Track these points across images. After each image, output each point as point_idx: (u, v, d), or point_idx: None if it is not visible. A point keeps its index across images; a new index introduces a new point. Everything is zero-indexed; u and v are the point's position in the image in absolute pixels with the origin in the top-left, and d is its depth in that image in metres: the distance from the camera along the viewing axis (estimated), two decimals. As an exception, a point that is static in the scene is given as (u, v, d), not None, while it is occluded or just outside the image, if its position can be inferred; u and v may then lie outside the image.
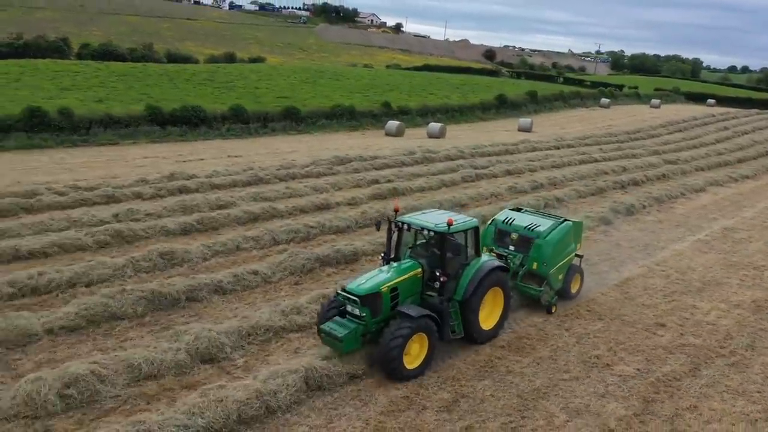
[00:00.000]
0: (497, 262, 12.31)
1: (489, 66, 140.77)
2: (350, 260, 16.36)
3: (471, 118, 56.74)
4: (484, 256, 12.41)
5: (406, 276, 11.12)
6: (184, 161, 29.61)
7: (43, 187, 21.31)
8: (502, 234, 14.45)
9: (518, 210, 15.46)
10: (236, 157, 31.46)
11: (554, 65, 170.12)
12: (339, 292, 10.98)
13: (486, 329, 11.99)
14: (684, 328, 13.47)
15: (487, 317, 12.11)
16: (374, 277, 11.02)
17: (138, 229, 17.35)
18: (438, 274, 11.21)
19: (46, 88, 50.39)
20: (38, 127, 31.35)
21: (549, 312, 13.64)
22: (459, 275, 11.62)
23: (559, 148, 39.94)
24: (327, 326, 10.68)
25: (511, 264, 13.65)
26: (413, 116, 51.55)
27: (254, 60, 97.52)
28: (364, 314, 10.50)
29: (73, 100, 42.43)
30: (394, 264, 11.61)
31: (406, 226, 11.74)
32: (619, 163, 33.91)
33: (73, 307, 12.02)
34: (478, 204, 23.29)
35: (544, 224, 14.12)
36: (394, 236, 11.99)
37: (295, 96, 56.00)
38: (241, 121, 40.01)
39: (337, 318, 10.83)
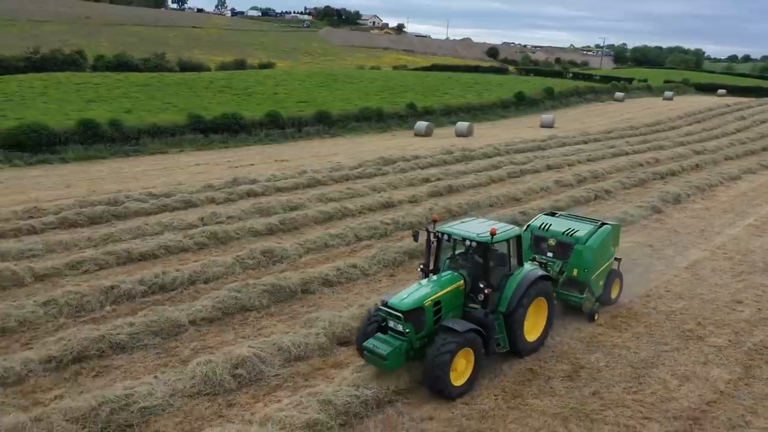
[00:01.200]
0: (541, 272, 11.88)
1: (496, 64, 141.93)
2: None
3: (492, 116, 57.82)
4: (527, 266, 11.94)
5: (449, 289, 10.72)
6: (236, 167, 30.75)
7: (122, 195, 22.50)
8: (538, 240, 13.89)
9: (553, 215, 14.89)
10: (283, 161, 32.62)
11: (557, 60, 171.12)
12: (380, 307, 10.55)
13: (530, 341, 11.57)
14: (760, 304, 14.56)
15: (532, 328, 11.66)
16: (416, 291, 10.56)
17: (229, 230, 18.52)
18: (482, 286, 10.76)
19: (72, 100, 51.71)
20: (92, 139, 32.57)
21: (592, 320, 13.19)
22: (502, 286, 11.18)
23: (586, 143, 41.04)
24: (370, 343, 10.20)
25: (551, 271, 13.12)
26: (437, 116, 52.68)
27: (264, 66, 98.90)
28: (408, 330, 10.09)
29: (102, 112, 43.70)
30: (434, 276, 11.21)
31: (446, 237, 11.29)
32: (650, 155, 34.98)
33: (208, 301, 13.17)
34: (531, 198, 24.38)
35: (582, 229, 13.58)
36: (434, 247, 11.57)
37: (314, 100, 57.19)
38: (277, 127, 41.23)
39: (379, 335, 10.40)
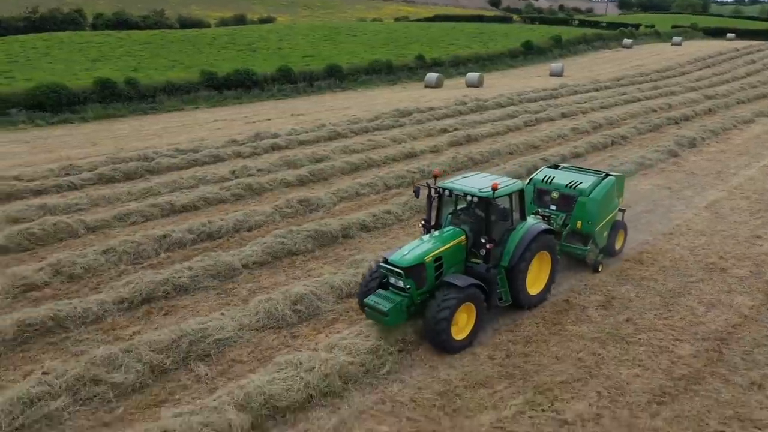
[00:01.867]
0: (544, 225, 11.69)
1: (499, 13, 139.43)
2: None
3: (500, 66, 57.62)
4: (530, 219, 11.83)
5: (450, 244, 10.60)
6: (254, 122, 31.17)
7: (150, 151, 23.04)
8: (541, 193, 13.75)
9: (556, 167, 14.67)
10: (299, 115, 32.98)
11: (561, 8, 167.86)
12: (381, 264, 10.48)
13: (533, 294, 11.58)
14: (779, 238, 15.31)
15: (534, 282, 11.67)
16: (417, 247, 10.44)
17: (262, 182, 19.17)
18: (484, 241, 10.66)
19: (77, 60, 51.59)
20: (109, 98, 32.91)
21: (596, 270, 13.26)
22: (505, 241, 11.11)
23: (598, 90, 41.16)
24: (371, 300, 10.23)
25: (554, 224, 13.06)
26: (446, 67, 52.59)
27: (265, 20, 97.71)
28: (409, 286, 10.05)
29: (108, 71, 43.71)
30: (436, 232, 11.06)
31: (447, 192, 11.12)
32: (663, 101, 35.19)
33: (257, 247, 13.92)
34: (549, 146, 24.85)
35: (586, 181, 13.42)
36: (435, 203, 11.38)
37: (319, 54, 56.95)
38: (288, 81, 41.37)
39: (380, 291, 10.42)
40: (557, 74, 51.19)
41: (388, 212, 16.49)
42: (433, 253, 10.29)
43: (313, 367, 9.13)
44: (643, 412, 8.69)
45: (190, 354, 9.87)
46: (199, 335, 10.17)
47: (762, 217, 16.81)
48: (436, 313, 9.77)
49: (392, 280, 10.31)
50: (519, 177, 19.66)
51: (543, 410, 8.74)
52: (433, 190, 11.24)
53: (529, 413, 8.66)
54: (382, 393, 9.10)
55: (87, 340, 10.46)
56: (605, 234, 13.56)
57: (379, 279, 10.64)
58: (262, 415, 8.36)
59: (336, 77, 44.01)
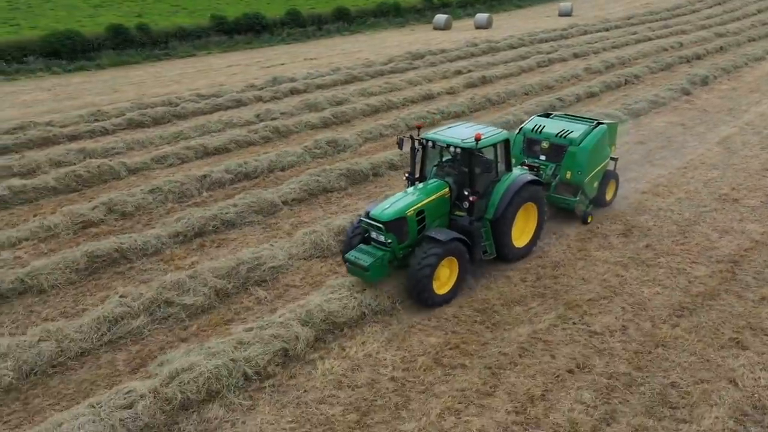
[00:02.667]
0: (530, 176, 11.41)
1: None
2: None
3: (508, 6, 56.96)
4: (516, 170, 11.56)
5: (433, 197, 10.35)
6: (268, 67, 31.45)
7: (173, 97, 23.54)
8: (531, 143, 13.34)
9: (547, 116, 14.17)
10: (312, 59, 33.18)
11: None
12: (362, 218, 10.27)
13: (519, 246, 11.41)
14: (788, 170, 16.03)
15: (521, 234, 11.50)
16: (399, 200, 10.20)
17: (288, 124, 19.78)
18: (467, 193, 10.45)
19: (79, 6, 51.10)
20: (122, 44, 33.01)
21: (585, 222, 13.03)
22: (489, 193, 10.84)
23: (608, 30, 41.03)
24: (352, 255, 9.98)
25: (543, 175, 12.73)
26: (454, 8, 52.00)
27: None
28: (390, 241, 9.82)
29: (112, 17, 43.50)
30: (420, 185, 10.80)
31: (430, 144, 10.75)
32: (674, 40, 35.20)
33: (294, 185, 14.71)
34: (563, 86, 25.26)
35: (576, 130, 12.98)
36: (419, 155, 11.08)
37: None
38: (298, 25, 41.18)
39: (362, 246, 10.19)
40: (566, 14, 50.73)
41: (414, 151, 17.15)
42: (415, 207, 10.05)
43: (364, 289, 10.04)
44: (664, 323, 9.63)
45: (248, 279, 10.79)
46: (255, 263, 11.07)
47: (773, 151, 17.49)
48: (417, 269, 9.57)
49: (373, 234, 10.07)
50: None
51: (574, 323, 9.69)
52: (416, 142, 10.93)
53: (561, 326, 9.61)
54: (427, 311, 10.03)
55: (150, 269, 11.40)
56: (595, 184, 13.24)
57: (362, 234, 10.39)
58: (323, 329, 9.31)
59: (344, 20, 43.73)
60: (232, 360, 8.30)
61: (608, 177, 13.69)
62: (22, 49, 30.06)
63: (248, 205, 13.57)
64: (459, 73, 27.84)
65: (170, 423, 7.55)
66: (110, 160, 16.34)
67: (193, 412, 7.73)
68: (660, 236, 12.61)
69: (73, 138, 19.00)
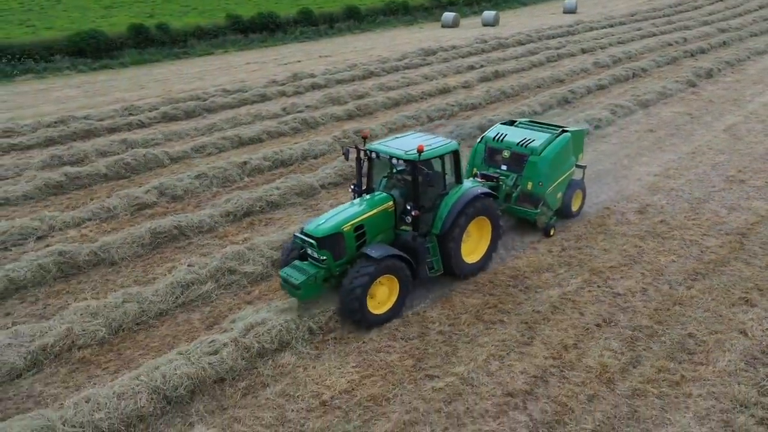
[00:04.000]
0: (482, 189, 10.85)
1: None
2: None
3: (513, 4, 57.96)
4: (467, 183, 11.07)
5: (375, 211, 9.86)
6: (285, 64, 32.51)
7: (200, 92, 24.60)
8: (493, 152, 12.80)
9: (511, 123, 13.73)
10: (327, 56, 34.22)
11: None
12: (296, 234, 9.78)
13: (470, 263, 10.88)
14: (791, 155, 17.07)
15: (473, 250, 11.02)
16: (337, 214, 9.73)
17: (315, 116, 20.83)
18: (409, 208, 9.92)
19: (91, 8, 52.28)
20: (143, 43, 34.10)
21: (547, 235, 12.53)
22: (437, 206, 10.36)
23: (613, 26, 42.05)
24: (284, 272, 9.48)
25: (503, 185, 12.26)
26: (461, 6, 53.03)
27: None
28: (325, 258, 9.32)
29: (124, 18, 44.60)
30: (366, 197, 10.32)
31: (374, 155, 10.23)
32: (678, 35, 36.21)
33: (329, 170, 15.76)
34: (574, 79, 26.28)
35: (538, 138, 12.55)
36: (365, 166, 10.60)
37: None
38: (310, 24, 42.24)
39: (296, 262, 9.66)
40: (571, 11, 51.72)
41: (438, 140, 18.20)
42: (352, 222, 9.56)
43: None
44: (680, 286, 10.67)
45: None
46: (304, 237, 12.09)
47: (776, 137, 18.53)
48: (348, 289, 9.07)
49: (309, 251, 9.58)
50: (550, 108, 21.37)
51: (598, 286, 10.73)
52: (361, 153, 10.40)
53: (587, 288, 10.66)
54: (464, 281, 11.05)
55: (208, 244, 12.46)
56: (559, 195, 12.77)
57: (298, 249, 9.95)
58: (373, 292, 10.30)
59: (355, 18, 44.79)
60: (298, 316, 9.36)
61: (574, 187, 13.14)
62: (48, 48, 31.15)
63: (290, 188, 14.62)
64: (472, 68, 28.89)
65: (250, 367, 8.61)
66: (153, 150, 17.39)
67: (268, 359, 8.78)
68: (673, 213, 13.65)
69: (112, 130, 20.07)
